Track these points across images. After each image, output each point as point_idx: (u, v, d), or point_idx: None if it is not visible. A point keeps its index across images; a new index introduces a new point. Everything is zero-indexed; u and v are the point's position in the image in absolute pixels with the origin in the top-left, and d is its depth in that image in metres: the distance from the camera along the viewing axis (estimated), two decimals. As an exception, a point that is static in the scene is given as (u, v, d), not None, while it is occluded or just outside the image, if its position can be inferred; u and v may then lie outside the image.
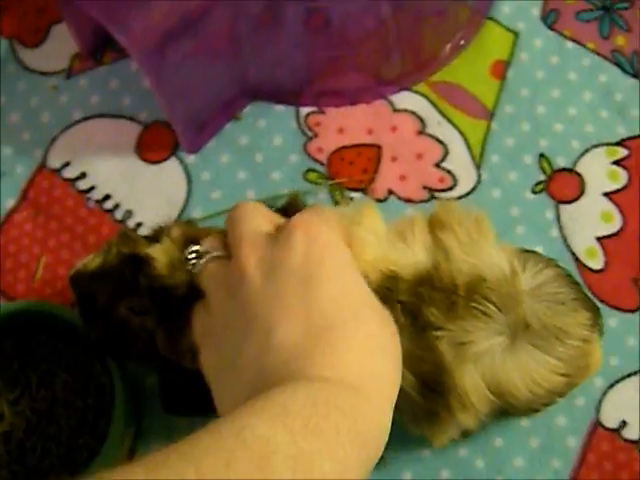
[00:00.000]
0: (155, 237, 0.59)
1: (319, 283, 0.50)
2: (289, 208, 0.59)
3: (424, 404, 0.57)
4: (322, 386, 0.45)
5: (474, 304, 0.55)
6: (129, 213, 0.76)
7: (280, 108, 0.79)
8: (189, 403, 0.69)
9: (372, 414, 0.47)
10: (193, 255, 0.56)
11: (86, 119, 0.79)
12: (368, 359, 0.49)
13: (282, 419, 0.41)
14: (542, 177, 0.77)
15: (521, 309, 0.56)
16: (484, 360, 0.55)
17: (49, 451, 0.66)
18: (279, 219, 0.56)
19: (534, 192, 0.77)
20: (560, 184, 0.77)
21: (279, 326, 0.48)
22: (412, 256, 0.56)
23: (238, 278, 0.51)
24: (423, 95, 0.79)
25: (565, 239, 0.75)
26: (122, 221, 0.76)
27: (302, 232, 0.51)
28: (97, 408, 0.66)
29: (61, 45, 0.81)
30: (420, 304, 0.55)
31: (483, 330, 0.55)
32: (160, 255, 0.57)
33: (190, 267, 0.56)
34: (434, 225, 0.58)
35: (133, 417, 0.68)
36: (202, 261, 0.55)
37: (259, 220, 0.55)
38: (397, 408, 0.51)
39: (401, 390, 0.52)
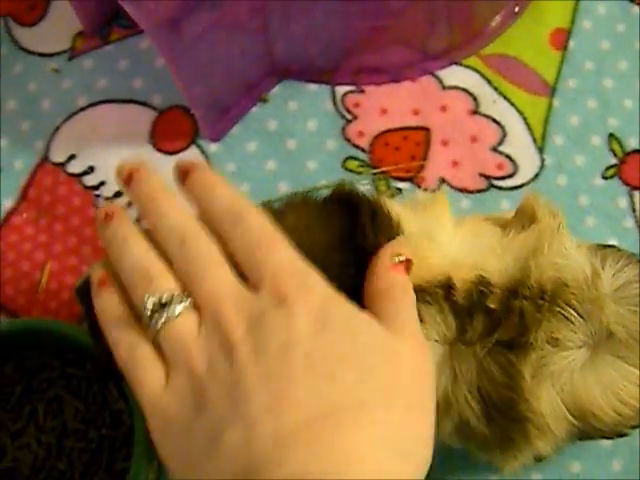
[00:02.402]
0: None
1: (324, 365, 0.43)
2: (338, 200, 0.53)
3: (496, 432, 0.53)
4: None
5: (559, 310, 0.51)
6: (145, 212, 0.71)
7: (313, 88, 0.76)
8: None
9: None
10: (150, 307, 0.46)
11: (92, 105, 0.76)
12: (369, 456, 0.42)
13: None
14: (613, 160, 0.73)
15: (604, 316, 0.52)
16: (562, 377, 0.52)
17: (60, 492, 0.62)
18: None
19: (604, 177, 0.72)
20: (634, 168, 0.73)
21: (270, 414, 0.41)
22: (500, 259, 0.52)
23: (219, 348, 0.44)
24: (475, 70, 0.76)
25: (642, 230, 0.71)
26: (137, 221, 0.70)
27: (301, 305, 0.44)
28: (114, 440, 0.63)
29: (62, 22, 0.78)
30: (509, 317, 0.51)
31: (566, 342, 0.51)
32: None
33: (147, 326, 0.45)
34: (518, 220, 0.55)
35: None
36: (163, 318, 0.46)
37: (226, 269, 0.46)
38: (463, 436, 0.52)
39: (467, 422, 0.51)
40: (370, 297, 0.48)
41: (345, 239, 0.50)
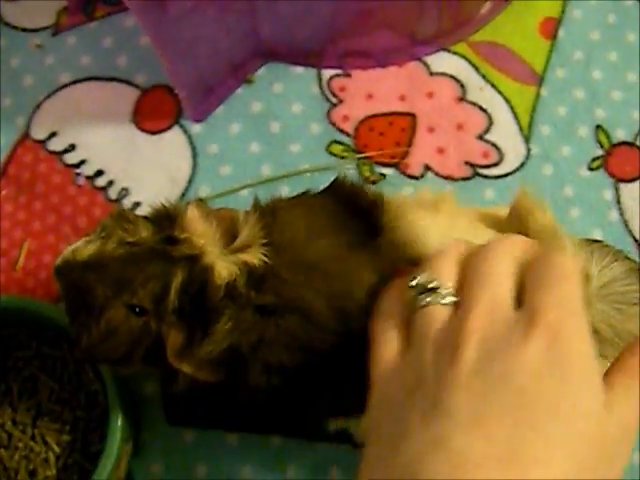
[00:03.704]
0: (157, 219, 0.54)
1: (534, 416, 0.41)
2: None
3: None
4: None
5: None
6: (125, 191, 0.72)
7: (299, 70, 0.75)
8: (197, 414, 0.63)
9: None
10: (416, 285, 0.47)
11: (75, 82, 0.75)
12: None
13: None
14: (599, 152, 0.72)
15: (589, 315, 0.49)
16: None
17: (34, 473, 0.60)
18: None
19: (590, 169, 0.72)
20: (620, 160, 0.72)
21: (460, 431, 0.41)
22: None
23: (451, 345, 0.43)
24: (463, 56, 0.75)
25: (626, 223, 0.70)
26: (117, 200, 0.71)
27: (545, 338, 0.42)
28: (88, 421, 0.62)
29: (46, -3, 0.78)
30: None
31: None
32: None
33: (413, 300, 0.47)
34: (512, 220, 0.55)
35: (130, 431, 0.62)
36: (429, 298, 0.47)
37: (507, 285, 0.46)
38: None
39: None
40: (615, 365, 0.46)
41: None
